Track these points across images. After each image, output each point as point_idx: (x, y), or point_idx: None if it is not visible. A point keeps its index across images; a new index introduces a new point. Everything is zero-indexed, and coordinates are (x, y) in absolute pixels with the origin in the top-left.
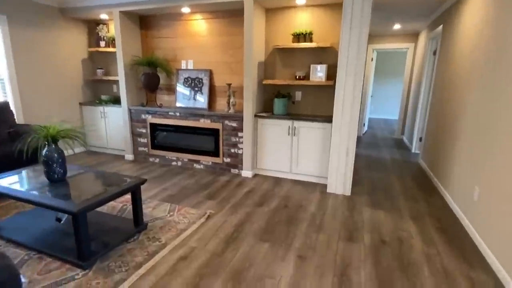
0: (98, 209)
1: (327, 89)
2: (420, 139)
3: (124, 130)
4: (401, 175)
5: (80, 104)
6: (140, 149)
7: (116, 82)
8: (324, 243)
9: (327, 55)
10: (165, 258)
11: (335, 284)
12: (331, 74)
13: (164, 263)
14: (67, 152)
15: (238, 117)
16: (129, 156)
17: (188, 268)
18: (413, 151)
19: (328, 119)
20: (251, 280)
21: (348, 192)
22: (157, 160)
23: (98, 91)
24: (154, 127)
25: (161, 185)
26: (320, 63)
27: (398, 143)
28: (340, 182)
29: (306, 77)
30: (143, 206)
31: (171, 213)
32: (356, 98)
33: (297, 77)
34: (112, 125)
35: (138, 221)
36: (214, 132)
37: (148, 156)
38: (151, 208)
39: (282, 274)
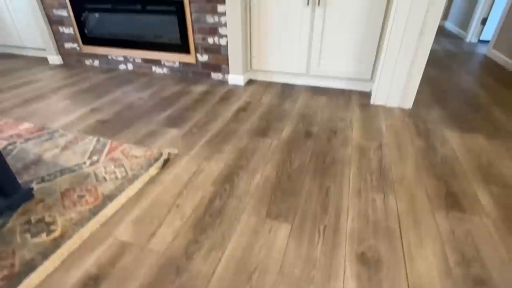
0: None
1: None
2: (484, 22)
3: (32, 14)
4: (472, 73)
5: None
6: (68, 45)
7: None
8: (404, 215)
9: None
10: (53, 281)
11: None
12: None
13: None
14: None
15: None
16: (54, 59)
17: None
18: (468, 40)
19: None
20: None
21: (408, 105)
22: (96, 63)
23: None
24: (78, 4)
25: (91, 102)
26: None
27: (440, 31)
28: (395, 89)
29: None
30: (47, 143)
31: (95, 158)
32: None
33: None
34: (19, 9)
35: (4, 188)
36: (177, 7)
37: (83, 58)
38: (59, 149)
39: None
